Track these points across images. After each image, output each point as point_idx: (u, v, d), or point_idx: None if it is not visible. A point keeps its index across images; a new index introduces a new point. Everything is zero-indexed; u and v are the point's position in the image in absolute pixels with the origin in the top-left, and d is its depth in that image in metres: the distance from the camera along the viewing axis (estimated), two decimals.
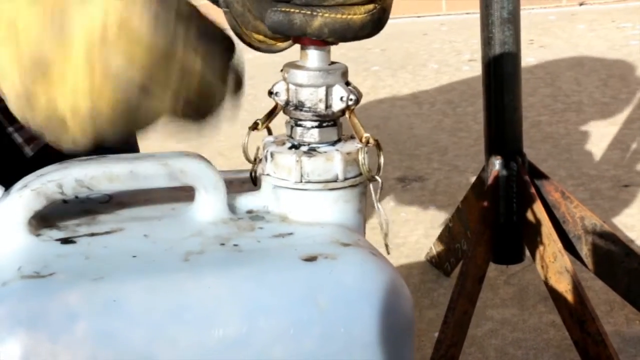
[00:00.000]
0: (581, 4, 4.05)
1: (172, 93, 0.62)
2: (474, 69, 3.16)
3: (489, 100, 1.58)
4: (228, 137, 2.67)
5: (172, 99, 0.63)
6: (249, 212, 0.69)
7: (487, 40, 1.54)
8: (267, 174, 0.68)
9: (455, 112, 2.82)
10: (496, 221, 1.57)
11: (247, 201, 0.69)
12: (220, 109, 0.66)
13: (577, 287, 1.43)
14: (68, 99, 0.60)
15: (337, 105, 0.67)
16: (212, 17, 0.64)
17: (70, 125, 0.62)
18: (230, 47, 0.65)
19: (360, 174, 0.68)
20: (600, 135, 2.59)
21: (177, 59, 0.61)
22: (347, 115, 0.69)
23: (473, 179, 1.77)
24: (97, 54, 0.59)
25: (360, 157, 0.67)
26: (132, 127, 0.64)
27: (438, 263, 1.93)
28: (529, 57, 3.35)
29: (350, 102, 0.67)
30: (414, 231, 2.11)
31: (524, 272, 1.87)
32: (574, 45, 3.47)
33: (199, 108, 0.65)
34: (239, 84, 0.66)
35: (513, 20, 1.52)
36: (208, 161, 0.66)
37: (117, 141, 0.63)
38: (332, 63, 0.68)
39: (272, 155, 0.68)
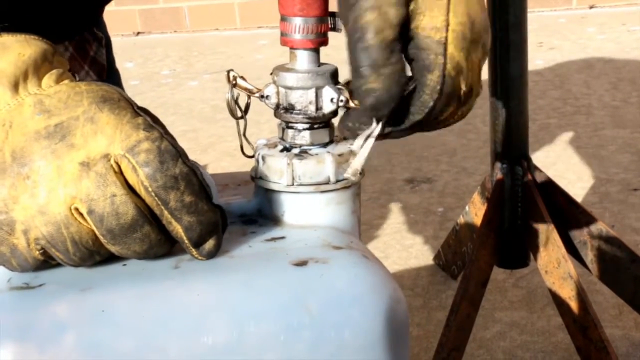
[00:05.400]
0: (591, 7, 4.03)
1: None
2: None
3: (494, 105, 1.57)
4: (236, 138, 2.63)
5: None
6: (242, 216, 0.68)
7: (493, 44, 1.53)
8: (260, 177, 0.68)
9: None
10: (501, 225, 1.56)
11: (240, 205, 0.69)
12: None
13: (580, 293, 1.42)
14: None
15: (327, 107, 0.66)
16: None
17: None
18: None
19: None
20: (609, 139, 2.58)
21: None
22: None
23: (481, 181, 1.76)
24: None
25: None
26: None
27: (445, 266, 1.92)
28: (538, 60, 3.34)
29: (340, 104, 0.67)
30: (423, 232, 2.11)
31: (533, 275, 1.85)
32: (583, 48, 3.46)
33: None
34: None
35: (520, 24, 1.51)
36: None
37: None
38: (322, 64, 0.67)
39: (263, 158, 0.67)
